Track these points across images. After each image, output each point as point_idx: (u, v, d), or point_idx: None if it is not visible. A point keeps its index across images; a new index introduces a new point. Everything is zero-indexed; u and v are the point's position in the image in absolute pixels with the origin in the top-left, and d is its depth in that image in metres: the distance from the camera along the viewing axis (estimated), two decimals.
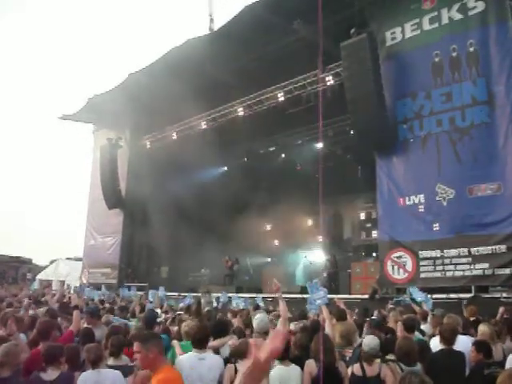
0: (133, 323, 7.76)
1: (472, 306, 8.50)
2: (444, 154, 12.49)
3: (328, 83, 15.92)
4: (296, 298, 13.45)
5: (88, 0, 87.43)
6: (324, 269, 19.30)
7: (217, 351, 5.32)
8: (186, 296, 13.31)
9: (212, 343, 5.44)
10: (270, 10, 14.30)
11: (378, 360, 4.91)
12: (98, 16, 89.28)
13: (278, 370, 4.78)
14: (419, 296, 9.25)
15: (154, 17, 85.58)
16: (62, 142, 71.87)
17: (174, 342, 5.68)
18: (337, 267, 19.40)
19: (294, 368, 4.82)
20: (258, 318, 6.04)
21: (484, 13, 12.11)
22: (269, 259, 25.26)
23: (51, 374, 4.36)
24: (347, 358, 5.20)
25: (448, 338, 5.35)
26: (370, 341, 5.00)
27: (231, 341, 5.76)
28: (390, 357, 5.08)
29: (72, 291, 18.48)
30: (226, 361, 5.05)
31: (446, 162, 12.43)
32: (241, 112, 18.57)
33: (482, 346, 5.14)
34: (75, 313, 6.31)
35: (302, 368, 4.81)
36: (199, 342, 4.96)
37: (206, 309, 10.19)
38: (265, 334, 5.67)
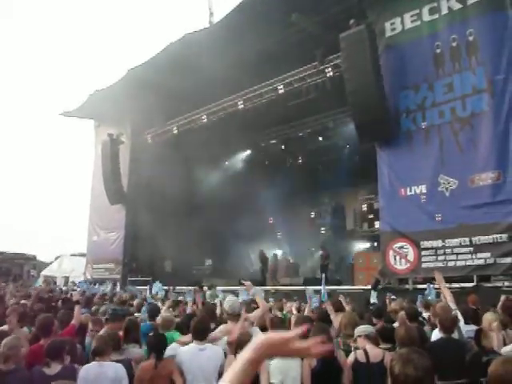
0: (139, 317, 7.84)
1: (473, 295, 8.55)
2: (446, 145, 12.47)
3: (328, 75, 15.92)
4: (298, 290, 13.51)
5: None
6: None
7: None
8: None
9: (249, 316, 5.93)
10: (267, 2, 14.28)
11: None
12: (98, 11, 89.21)
13: (278, 361, 4.83)
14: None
15: (153, 11, 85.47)
16: (63, 138, 71.94)
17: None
18: (329, 260, 19.55)
19: (294, 359, 4.85)
20: (230, 301, 6.09)
21: (483, 1, 12.07)
22: (275, 251, 25.28)
23: (54, 368, 4.40)
24: (352, 348, 5.25)
25: (447, 327, 5.37)
26: (364, 327, 5.11)
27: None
28: (386, 345, 5.12)
29: (76, 287, 18.65)
30: None
31: (449, 152, 12.41)
32: (241, 105, 18.54)
33: (479, 334, 5.18)
34: (77, 308, 6.38)
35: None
36: (200, 333, 5.01)
37: (211, 302, 10.41)
38: (236, 316, 5.89)
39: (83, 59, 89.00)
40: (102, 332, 5.58)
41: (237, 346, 4.95)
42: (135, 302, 10.49)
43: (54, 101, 76.11)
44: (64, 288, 18.88)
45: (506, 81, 11.56)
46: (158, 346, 4.87)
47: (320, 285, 10.98)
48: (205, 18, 20.55)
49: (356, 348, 5.15)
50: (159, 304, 9.92)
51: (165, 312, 7.19)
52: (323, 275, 12.32)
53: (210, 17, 22.08)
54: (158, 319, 6.46)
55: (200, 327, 5.08)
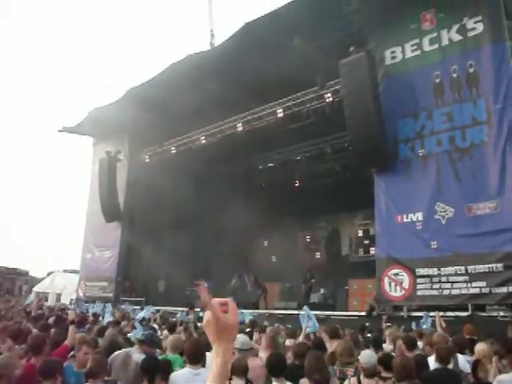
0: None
1: (468, 325, 8.50)
2: (444, 173, 12.51)
3: (327, 100, 16.04)
4: (293, 314, 13.42)
5: (90, 13, 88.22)
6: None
7: None
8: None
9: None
10: (270, 26, 14.38)
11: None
12: (100, 30, 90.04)
13: None
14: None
15: (156, 31, 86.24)
16: (61, 154, 71.99)
17: None
18: (312, 283, 19.48)
19: None
20: (240, 338, 5.63)
21: (483, 34, 12.20)
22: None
23: None
24: (349, 377, 5.18)
25: (444, 357, 5.33)
26: (368, 357, 5.01)
27: None
28: (387, 374, 5.06)
29: (69, 305, 18.48)
30: None
31: (446, 180, 12.43)
32: (240, 127, 18.63)
33: (476, 366, 5.14)
34: (71, 328, 6.27)
35: None
36: (194, 357, 4.95)
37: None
38: (247, 351, 5.52)
39: (85, 76, 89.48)
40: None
41: (232, 371, 4.88)
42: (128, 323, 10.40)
43: (52, 117, 76.19)
44: (55, 305, 18.66)
45: (503, 110, 11.66)
46: (150, 369, 4.79)
47: (312, 310, 10.97)
48: (206, 39, 20.65)
49: (351, 375, 5.10)
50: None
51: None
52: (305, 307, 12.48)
53: (212, 38, 22.29)
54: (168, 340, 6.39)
55: (194, 351, 5.02)
